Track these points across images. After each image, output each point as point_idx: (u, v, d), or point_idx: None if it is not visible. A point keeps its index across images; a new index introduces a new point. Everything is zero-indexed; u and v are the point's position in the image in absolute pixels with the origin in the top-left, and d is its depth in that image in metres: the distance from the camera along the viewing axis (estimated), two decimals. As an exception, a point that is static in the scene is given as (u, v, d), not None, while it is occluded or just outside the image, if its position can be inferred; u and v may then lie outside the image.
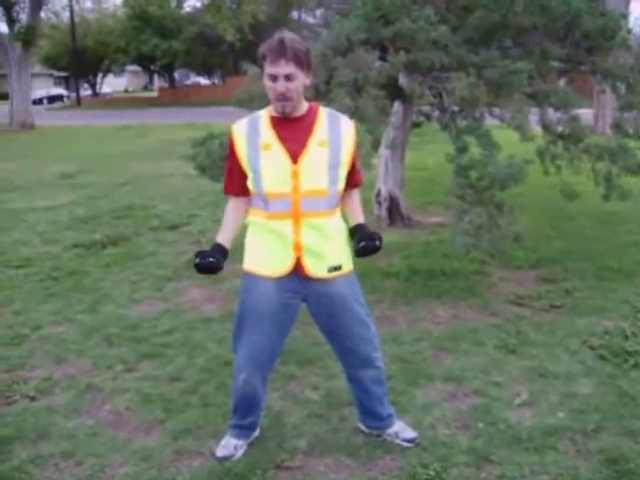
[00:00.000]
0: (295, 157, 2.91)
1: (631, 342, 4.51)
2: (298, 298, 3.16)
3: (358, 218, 3.22)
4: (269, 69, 2.84)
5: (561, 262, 6.33)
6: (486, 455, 3.30)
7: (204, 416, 3.75)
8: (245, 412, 3.38)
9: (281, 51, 2.80)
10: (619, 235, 7.29)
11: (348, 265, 3.17)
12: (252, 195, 3.05)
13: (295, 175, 2.91)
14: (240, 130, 3.00)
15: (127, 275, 6.46)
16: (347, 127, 3.04)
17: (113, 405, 3.95)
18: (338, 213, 3.12)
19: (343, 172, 3.03)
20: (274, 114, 2.98)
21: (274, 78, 2.84)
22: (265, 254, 3.06)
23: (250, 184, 3.01)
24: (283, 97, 2.86)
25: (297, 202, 2.93)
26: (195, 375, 4.27)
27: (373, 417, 3.46)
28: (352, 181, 3.14)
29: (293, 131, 2.94)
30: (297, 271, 3.04)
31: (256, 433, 3.49)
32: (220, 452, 3.37)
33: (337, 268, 3.09)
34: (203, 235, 7.89)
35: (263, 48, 2.86)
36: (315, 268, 3.05)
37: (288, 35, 2.87)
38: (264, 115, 3.00)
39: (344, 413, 3.76)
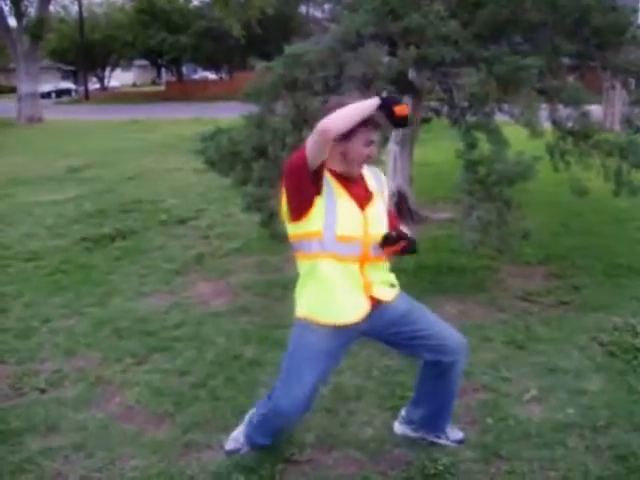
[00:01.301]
0: (362, 205, 2.96)
1: (640, 339, 4.51)
2: (357, 337, 3.16)
3: None
4: (371, 135, 2.91)
5: (570, 258, 6.32)
6: (495, 450, 3.31)
7: (213, 410, 3.77)
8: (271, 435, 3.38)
9: (379, 120, 2.90)
10: (629, 232, 7.27)
11: (397, 283, 3.18)
12: (311, 239, 2.95)
13: (365, 221, 2.96)
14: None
15: (135, 269, 6.48)
16: (383, 177, 3.19)
17: (123, 398, 3.97)
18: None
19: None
20: (334, 169, 2.96)
21: (371, 143, 2.93)
22: (340, 303, 2.98)
23: (315, 224, 2.92)
24: (370, 160, 2.99)
25: (367, 246, 2.96)
26: (204, 369, 4.29)
27: (443, 417, 3.35)
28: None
29: (352, 183, 2.99)
30: (372, 307, 3.02)
31: None
32: (228, 445, 3.39)
33: (394, 284, 3.12)
34: (211, 229, 7.91)
35: None
36: (385, 293, 3.06)
37: None
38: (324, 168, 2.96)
39: (352, 408, 3.77)
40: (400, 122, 2.86)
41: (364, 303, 2.99)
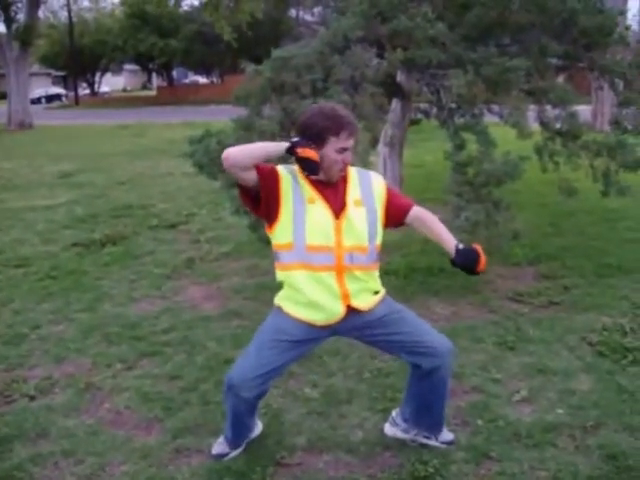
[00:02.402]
0: (337, 213, 2.95)
1: (630, 338, 4.52)
2: (329, 336, 3.20)
3: (448, 241, 3.10)
4: (344, 143, 2.89)
5: (560, 259, 6.33)
6: (485, 451, 3.31)
7: (203, 414, 3.76)
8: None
9: (355, 126, 2.92)
10: (618, 232, 7.29)
11: (382, 290, 3.16)
12: (283, 250, 2.99)
13: (338, 230, 2.94)
14: (287, 175, 2.96)
15: (126, 274, 6.46)
16: (377, 182, 3.12)
17: (112, 404, 3.95)
18: (377, 269, 3.12)
19: (380, 227, 3.07)
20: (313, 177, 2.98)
21: (344, 150, 2.90)
22: (313, 306, 3.00)
23: (285, 236, 2.96)
24: (346, 166, 2.97)
25: (341, 256, 2.94)
26: (194, 373, 4.27)
27: (433, 417, 3.33)
28: (402, 208, 3.14)
29: (331, 190, 2.98)
30: (347, 314, 3.02)
31: (253, 435, 3.47)
32: (215, 449, 3.38)
33: (377, 292, 3.11)
34: (202, 233, 7.90)
35: (334, 122, 2.87)
36: (364, 302, 3.04)
37: (341, 107, 3.04)
38: (298, 173, 2.98)
39: (343, 410, 3.76)
40: (304, 165, 2.85)
41: (339, 310, 3.00)
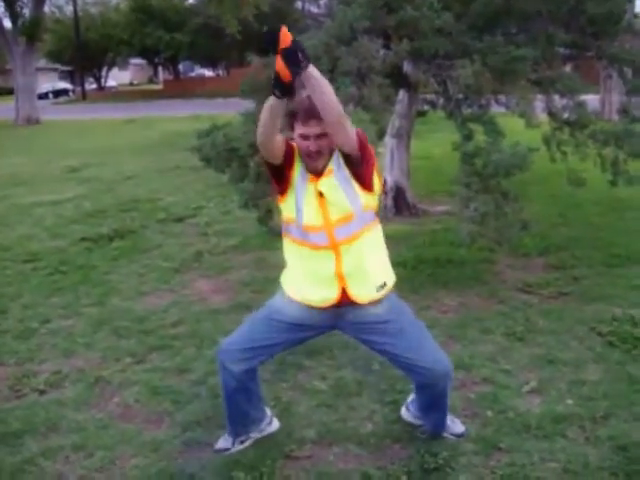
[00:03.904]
0: (319, 191, 2.89)
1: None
2: (328, 328, 3.18)
3: None
4: (300, 129, 2.83)
5: (569, 249, 6.31)
6: (495, 443, 3.30)
7: (213, 407, 3.76)
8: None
9: (313, 112, 2.76)
10: (627, 222, 7.26)
11: (391, 279, 3.09)
12: (290, 224, 2.99)
13: (323, 207, 2.88)
14: (298, 151, 2.92)
15: (134, 268, 6.47)
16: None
17: (122, 397, 3.97)
18: (375, 228, 3.03)
19: (356, 185, 2.90)
20: None
21: (306, 137, 2.83)
22: (310, 284, 3.00)
23: (290, 211, 2.95)
24: (314, 155, 2.85)
25: (331, 234, 2.90)
26: (203, 366, 4.28)
27: (436, 418, 3.35)
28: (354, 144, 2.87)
29: (315, 177, 2.91)
30: (342, 301, 2.97)
31: (266, 431, 3.45)
32: (218, 444, 3.38)
33: (382, 286, 3.02)
34: (210, 227, 7.91)
35: (296, 107, 2.80)
36: (362, 293, 2.98)
37: None
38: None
39: (352, 403, 3.76)
40: (274, 82, 2.54)
41: (332, 292, 2.95)
